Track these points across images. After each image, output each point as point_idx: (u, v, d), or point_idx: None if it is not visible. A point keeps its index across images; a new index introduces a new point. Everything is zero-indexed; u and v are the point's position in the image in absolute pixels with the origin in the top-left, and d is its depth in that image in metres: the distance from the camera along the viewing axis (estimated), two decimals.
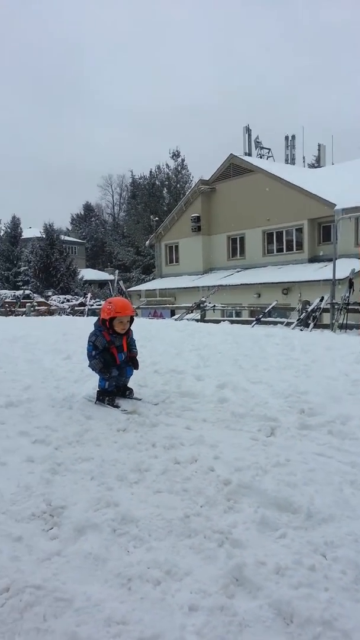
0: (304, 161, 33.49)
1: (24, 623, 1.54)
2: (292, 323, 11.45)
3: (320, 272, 18.99)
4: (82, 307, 19.24)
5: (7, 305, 22.35)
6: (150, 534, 2.01)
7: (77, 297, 25.85)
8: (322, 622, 1.52)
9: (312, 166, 35.71)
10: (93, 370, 3.96)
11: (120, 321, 3.91)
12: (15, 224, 41.17)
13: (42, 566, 1.81)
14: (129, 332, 4.05)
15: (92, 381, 4.34)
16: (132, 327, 4.11)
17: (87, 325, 9.28)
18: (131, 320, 4.02)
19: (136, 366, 4.08)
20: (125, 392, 4.04)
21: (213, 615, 1.57)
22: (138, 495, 2.35)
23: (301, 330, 10.38)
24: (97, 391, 4.02)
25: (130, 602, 1.62)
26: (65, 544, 1.96)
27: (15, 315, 18.87)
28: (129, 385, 4.13)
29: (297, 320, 11.45)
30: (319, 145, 32.65)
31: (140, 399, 4.01)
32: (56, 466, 2.67)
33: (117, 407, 3.81)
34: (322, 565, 1.78)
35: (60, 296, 26.20)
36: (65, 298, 25.24)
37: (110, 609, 1.57)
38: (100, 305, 19.43)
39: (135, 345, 4.14)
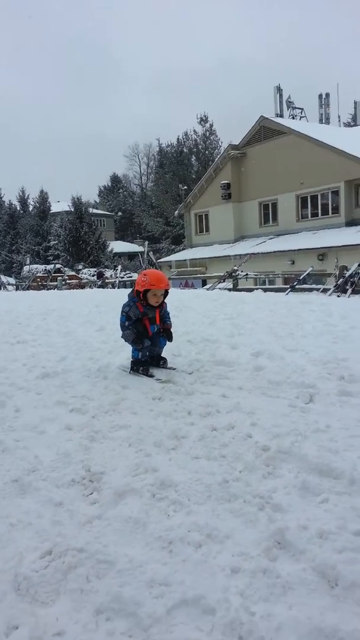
0: (339, 120, 32.05)
1: (68, 583, 1.57)
2: (328, 289, 11.16)
3: (359, 235, 18.35)
4: (106, 280, 19.53)
5: (38, 279, 22.75)
6: (189, 499, 2.01)
7: (107, 269, 26.03)
8: None
9: (348, 125, 34.15)
10: (126, 340, 3.96)
11: (154, 294, 3.86)
12: (43, 198, 41.49)
13: (83, 530, 1.84)
14: (162, 305, 4.01)
15: (126, 352, 4.35)
16: (165, 299, 4.07)
17: (118, 297, 9.32)
18: (165, 294, 3.97)
19: (170, 338, 4.05)
20: (159, 362, 4.03)
21: (256, 577, 1.55)
22: (176, 461, 2.35)
23: (338, 296, 10.11)
24: (131, 361, 4.03)
25: (172, 564, 1.62)
26: (105, 508, 1.98)
27: (47, 289, 19.19)
28: (163, 355, 4.11)
29: (334, 286, 11.14)
30: (355, 102, 31.08)
31: (174, 369, 3.99)
32: (94, 434, 2.70)
33: (151, 376, 3.81)
34: None
35: (90, 269, 26.43)
36: (95, 271, 25.46)
37: (152, 571, 1.58)
38: (130, 277, 19.51)
39: (169, 318, 4.10)
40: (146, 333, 3.92)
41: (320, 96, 32.66)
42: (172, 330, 4.09)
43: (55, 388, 3.62)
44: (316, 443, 2.43)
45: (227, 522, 1.85)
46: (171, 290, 4.21)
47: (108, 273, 22.91)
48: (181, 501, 1.98)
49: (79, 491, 2.14)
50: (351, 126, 32.20)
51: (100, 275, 22.13)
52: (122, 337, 3.98)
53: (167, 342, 4.10)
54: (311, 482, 2.07)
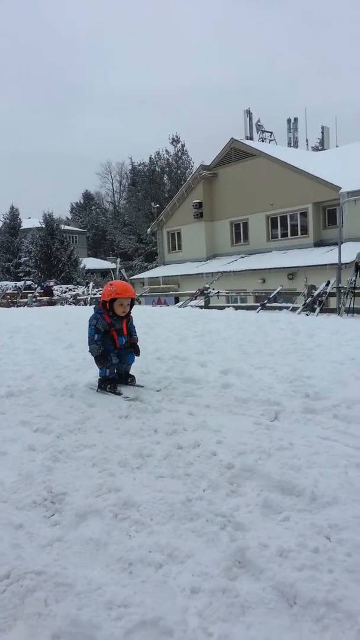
0: (307, 144, 33.09)
1: (25, 608, 1.53)
2: (297, 308, 11.38)
3: (326, 256, 18.83)
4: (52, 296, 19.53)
5: (8, 296, 22.38)
6: (152, 518, 1.99)
7: (79, 286, 25.83)
8: (326, 603, 1.50)
9: (315, 149, 35.30)
10: (93, 355, 3.92)
11: (120, 303, 3.89)
12: (14, 214, 40.98)
13: (43, 552, 1.80)
14: (129, 316, 4.03)
15: (94, 369, 4.31)
16: (133, 313, 4.08)
17: (89, 313, 9.26)
18: (131, 304, 3.99)
19: (137, 352, 4.06)
20: (127, 379, 4.02)
21: (215, 597, 1.55)
22: (140, 480, 2.33)
23: (307, 315, 10.31)
24: (99, 379, 4.01)
25: (132, 586, 1.61)
26: (66, 530, 1.95)
27: (17, 307, 18.89)
28: (131, 372, 4.11)
29: (303, 305, 11.37)
30: (323, 127, 32.20)
31: (142, 386, 3.99)
32: (57, 454, 2.66)
33: (119, 394, 3.79)
34: (326, 548, 1.76)
35: (62, 286, 26.15)
36: (67, 288, 25.21)
37: (111, 593, 1.56)
38: None
39: (135, 332, 4.12)
40: (114, 345, 3.92)
41: (289, 120, 33.77)
42: (141, 346, 4.10)
43: (19, 407, 3.55)
44: (279, 460, 2.46)
45: (189, 541, 1.84)
46: (143, 308, 4.23)
47: (80, 290, 22.67)
48: (143, 521, 1.97)
49: (40, 513, 2.09)
50: (319, 150, 33.29)
51: (48, 292, 21.69)
52: (89, 350, 3.96)
53: (136, 359, 4.10)
54: (273, 499, 2.09)
